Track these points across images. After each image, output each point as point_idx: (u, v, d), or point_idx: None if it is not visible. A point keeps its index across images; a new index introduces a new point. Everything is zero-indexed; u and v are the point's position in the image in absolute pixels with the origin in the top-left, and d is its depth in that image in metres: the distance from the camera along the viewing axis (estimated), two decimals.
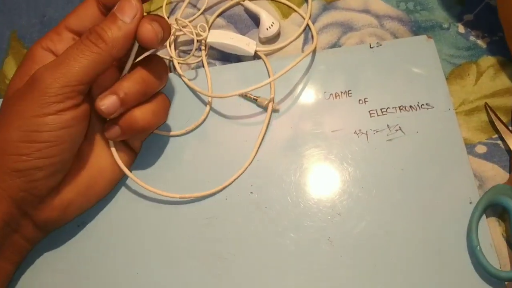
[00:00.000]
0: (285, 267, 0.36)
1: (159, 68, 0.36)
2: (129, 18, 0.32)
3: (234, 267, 0.37)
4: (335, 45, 0.44)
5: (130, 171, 0.38)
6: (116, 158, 0.37)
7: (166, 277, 0.37)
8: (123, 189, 0.40)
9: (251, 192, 0.39)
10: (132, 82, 0.34)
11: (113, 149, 0.37)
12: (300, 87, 0.42)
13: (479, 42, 0.43)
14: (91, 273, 0.38)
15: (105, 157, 0.37)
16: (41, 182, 0.32)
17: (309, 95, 0.42)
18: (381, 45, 0.42)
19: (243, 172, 0.39)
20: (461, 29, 0.43)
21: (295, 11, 0.45)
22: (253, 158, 0.40)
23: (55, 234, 0.38)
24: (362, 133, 0.40)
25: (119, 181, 0.39)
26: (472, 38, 0.43)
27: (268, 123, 0.41)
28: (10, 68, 0.46)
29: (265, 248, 0.37)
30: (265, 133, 0.40)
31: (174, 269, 0.37)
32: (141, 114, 0.35)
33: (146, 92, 0.35)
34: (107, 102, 0.33)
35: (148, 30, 0.32)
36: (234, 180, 0.39)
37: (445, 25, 0.44)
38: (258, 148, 0.40)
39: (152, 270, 0.37)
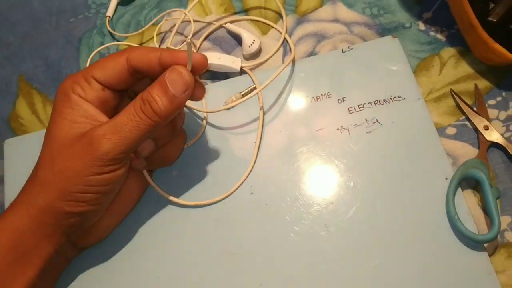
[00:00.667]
0: (290, 254, 0.41)
1: (182, 111, 0.41)
2: (181, 93, 0.35)
3: (244, 260, 0.41)
4: (311, 53, 0.49)
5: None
6: (151, 183, 0.43)
7: (183, 274, 0.41)
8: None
9: (252, 193, 0.43)
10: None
11: (146, 174, 0.42)
12: (284, 94, 0.47)
13: (439, 36, 0.48)
14: (116, 273, 0.42)
15: (131, 182, 0.41)
16: (90, 220, 0.38)
17: (293, 101, 0.46)
18: (352, 49, 0.47)
19: (247, 177, 0.44)
20: (422, 26, 0.48)
21: (273, 27, 0.50)
22: (254, 164, 0.44)
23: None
24: (344, 128, 0.44)
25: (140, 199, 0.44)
26: (432, 33, 0.48)
27: (262, 130, 0.45)
28: (22, 107, 0.51)
29: (269, 240, 0.41)
30: (260, 139, 0.45)
31: (190, 266, 0.41)
32: (170, 150, 0.41)
33: (174, 133, 0.40)
34: (147, 148, 0.38)
35: (202, 93, 0.38)
36: (240, 185, 0.44)
37: (407, 24, 0.49)
38: (257, 154, 0.45)
39: (170, 268, 0.41)
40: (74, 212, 0.35)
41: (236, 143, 0.45)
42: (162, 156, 0.40)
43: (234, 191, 0.43)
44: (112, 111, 0.38)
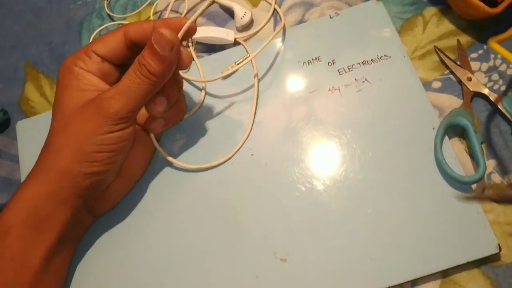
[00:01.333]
0: (291, 209, 0.43)
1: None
2: (168, 51, 0.37)
3: (248, 216, 0.44)
4: (301, 21, 0.51)
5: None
6: (157, 147, 0.45)
7: (192, 231, 0.44)
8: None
9: (252, 154, 0.46)
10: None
11: (153, 139, 0.45)
12: (277, 61, 0.49)
13: None
14: (127, 234, 0.45)
15: (139, 148, 0.44)
16: (105, 180, 0.40)
17: (286, 66, 0.49)
18: (339, 14, 0.50)
19: (245, 140, 0.47)
20: None
21: None
22: (251, 127, 0.47)
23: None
24: (335, 89, 0.47)
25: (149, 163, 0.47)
26: None
27: (258, 96, 0.48)
28: (31, 91, 0.54)
29: (271, 197, 0.44)
30: (256, 104, 0.48)
31: (198, 224, 0.44)
32: (181, 104, 0.44)
33: (180, 89, 0.43)
34: (161, 105, 0.41)
35: (188, 57, 0.40)
36: (239, 148, 0.46)
37: None
38: (254, 118, 0.47)
39: (180, 227, 0.44)
40: (90, 173, 0.38)
41: (234, 110, 0.48)
42: (176, 110, 0.43)
43: (235, 153, 0.46)
44: (113, 84, 0.41)
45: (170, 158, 0.46)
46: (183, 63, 0.40)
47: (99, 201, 0.42)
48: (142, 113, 0.42)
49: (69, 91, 0.38)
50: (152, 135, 0.44)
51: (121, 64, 0.41)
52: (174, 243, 0.44)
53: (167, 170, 0.47)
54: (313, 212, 0.43)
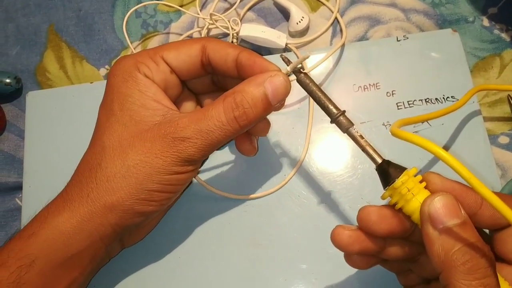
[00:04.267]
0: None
1: None
2: (277, 102, 0.31)
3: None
4: (362, 38, 0.45)
5: None
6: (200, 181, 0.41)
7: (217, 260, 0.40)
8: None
9: (298, 195, 0.41)
10: None
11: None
12: (329, 79, 0.44)
13: (503, 35, 0.44)
14: (142, 259, 0.40)
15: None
16: (150, 220, 0.36)
17: (338, 88, 0.43)
18: (407, 38, 0.44)
19: (294, 175, 0.42)
20: (486, 22, 0.45)
21: (324, 4, 0.47)
22: (302, 161, 0.42)
23: None
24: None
25: None
26: (496, 31, 0.44)
27: (312, 123, 0.43)
28: (50, 61, 0.48)
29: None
30: (310, 134, 0.42)
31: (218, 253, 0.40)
32: (261, 127, 0.37)
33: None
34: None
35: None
36: (288, 181, 0.41)
37: (470, 19, 0.45)
38: (307, 149, 0.42)
39: (199, 252, 0.40)
40: (143, 212, 0.32)
41: (281, 129, 0.43)
42: (256, 130, 0.37)
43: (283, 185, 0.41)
44: (173, 100, 0.34)
45: (209, 187, 0.41)
46: (262, 132, 0.36)
47: (134, 237, 0.37)
48: None
49: (130, 105, 0.32)
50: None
51: (185, 79, 0.35)
52: (193, 268, 0.40)
53: (201, 196, 0.42)
54: None
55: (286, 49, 0.45)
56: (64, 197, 0.32)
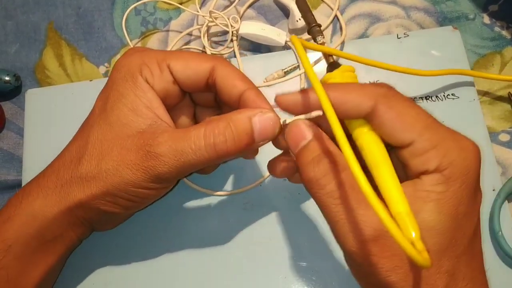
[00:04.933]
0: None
1: None
2: (261, 141, 0.30)
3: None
4: (362, 35, 0.45)
5: None
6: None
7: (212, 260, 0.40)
8: None
9: (284, 179, 0.41)
10: None
11: None
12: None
13: (504, 32, 0.44)
14: (137, 257, 0.40)
15: None
16: (121, 217, 0.36)
17: None
18: (408, 35, 0.44)
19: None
20: (486, 19, 0.45)
21: (324, 2, 0.47)
22: None
23: None
24: None
25: None
26: (497, 28, 0.44)
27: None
28: (49, 58, 0.48)
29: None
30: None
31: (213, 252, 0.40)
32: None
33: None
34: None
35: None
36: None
37: (471, 16, 0.45)
38: None
39: (192, 252, 0.40)
40: (109, 211, 0.32)
41: None
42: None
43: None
44: (170, 109, 0.34)
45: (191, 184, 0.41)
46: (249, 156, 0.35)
47: (107, 226, 0.37)
48: None
49: (122, 106, 0.31)
50: None
51: (188, 92, 0.35)
52: (187, 267, 0.40)
53: (186, 192, 0.42)
54: None
55: (286, 46, 0.45)
56: (40, 182, 0.33)
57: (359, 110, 0.26)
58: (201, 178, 0.41)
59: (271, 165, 0.32)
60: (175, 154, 0.29)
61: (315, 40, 0.36)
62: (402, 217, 0.23)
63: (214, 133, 0.29)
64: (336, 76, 0.31)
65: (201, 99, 0.36)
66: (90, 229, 0.35)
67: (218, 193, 0.41)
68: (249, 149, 0.30)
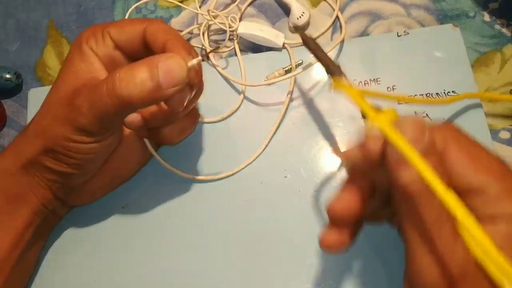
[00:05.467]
0: None
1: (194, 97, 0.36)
2: (169, 86, 0.30)
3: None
4: (363, 33, 0.45)
5: (161, 157, 0.41)
6: (154, 154, 0.40)
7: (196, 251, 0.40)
8: (163, 174, 0.42)
9: (285, 176, 0.41)
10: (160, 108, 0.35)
11: (149, 145, 0.39)
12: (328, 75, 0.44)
13: (504, 30, 0.44)
14: (136, 252, 0.40)
15: (128, 149, 0.39)
16: (74, 180, 0.36)
17: None
18: (408, 33, 0.44)
19: (257, 157, 0.42)
20: (487, 17, 0.44)
21: (325, 0, 0.47)
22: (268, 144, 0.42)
23: (103, 215, 0.41)
24: None
25: (144, 166, 0.42)
26: (497, 26, 0.44)
27: (285, 111, 0.43)
28: (50, 56, 0.48)
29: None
30: (281, 121, 0.43)
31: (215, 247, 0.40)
32: (168, 132, 0.37)
33: (171, 118, 0.36)
34: (133, 122, 0.35)
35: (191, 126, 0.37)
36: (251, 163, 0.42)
37: (471, 14, 0.45)
38: (271, 138, 0.42)
39: (194, 245, 0.40)
40: (55, 169, 0.34)
41: (272, 121, 0.43)
42: (162, 136, 0.37)
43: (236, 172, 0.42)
44: None
45: (170, 167, 0.41)
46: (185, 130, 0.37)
47: (73, 195, 0.38)
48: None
49: (66, 70, 0.35)
50: (146, 141, 0.39)
51: (134, 58, 0.36)
52: (185, 261, 0.40)
53: (176, 181, 0.42)
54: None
55: (284, 48, 0.45)
56: (6, 147, 0.37)
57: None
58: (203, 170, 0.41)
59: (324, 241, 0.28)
60: (89, 103, 0.31)
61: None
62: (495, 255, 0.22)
63: (114, 79, 0.30)
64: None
65: None
66: (56, 198, 0.37)
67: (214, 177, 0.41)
68: (160, 95, 0.30)
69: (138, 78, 0.29)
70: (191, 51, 0.33)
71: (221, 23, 0.44)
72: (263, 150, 0.42)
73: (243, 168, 0.41)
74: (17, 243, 0.35)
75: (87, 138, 0.32)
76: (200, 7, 0.47)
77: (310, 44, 0.32)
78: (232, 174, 0.41)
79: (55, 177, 0.35)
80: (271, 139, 0.42)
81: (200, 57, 0.31)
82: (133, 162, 0.40)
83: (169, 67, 0.29)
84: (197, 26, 0.47)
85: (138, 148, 0.39)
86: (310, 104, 0.43)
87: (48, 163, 0.34)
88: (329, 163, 0.41)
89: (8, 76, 0.46)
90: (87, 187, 0.38)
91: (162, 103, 0.34)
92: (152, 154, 0.40)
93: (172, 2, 0.48)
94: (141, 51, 0.35)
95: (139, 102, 0.30)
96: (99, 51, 0.35)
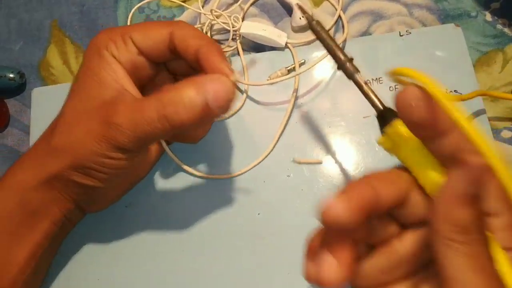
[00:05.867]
0: None
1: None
2: (217, 107, 0.29)
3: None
4: (365, 33, 0.45)
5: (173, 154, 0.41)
6: (170, 153, 0.41)
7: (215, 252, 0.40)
8: (169, 171, 0.43)
9: (288, 175, 0.41)
10: None
11: (164, 144, 0.40)
12: (331, 75, 0.44)
13: (506, 30, 0.44)
14: (140, 250, 0.41)
15: (148, 150, 0.39)
16: (99, 193, 0.36)
17: (341, 83, 0.43)
18: (410, 33, 0.44)
19: (264, 159, 0.42)
20: (488, 17, 0.45)
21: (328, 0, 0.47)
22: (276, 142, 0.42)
23: (106, 214, 0.41)
24: None
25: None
26: (499, 26, 0.44)
27: (291, 112, 0.43)
28: (53, 56, 0.48)
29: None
30: (287, 120, 0.43)
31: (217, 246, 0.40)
32: (193, 132, 0.37)
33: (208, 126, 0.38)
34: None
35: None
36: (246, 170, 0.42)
37: (473, 13, 0.45)
38: (278, 139, 0.43)
39: (197, 242, 0.40)
40: (83, 184, 0.33)
41: (275, 121, 0.43)
42: (187, 136, 0.37)
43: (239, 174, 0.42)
44: (145, 81, 0.35)
45: (184, 166, 0.42)
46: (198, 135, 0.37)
47: (94, 206, 0.38)
48: None
49: (90, 80, 0.33)
50: (162, 141, 0.39)
51: (157, 62, 0.35)
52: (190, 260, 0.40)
53: (183, 179, 0.42)
54: None
55: (286, 48, 0.45)
56: (22, 158, 0.35)
57: None
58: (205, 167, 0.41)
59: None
60: (132, 124, 0.30)
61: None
62: None
63: (163, 104, 0.29)
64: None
65: (176, 68, 0.36)
66: (77, 207, 0.36)
67: (217, 176, 0.41)
68: (211, 115, 0.30)
69: (188, 101, 0.29)
70: (225, 57, 0.32)
71: (224, 22, 0.44)
72: (271, 150, 0.42)
73: (251, 169, 0.42)
74: (33, 255, 0.34)
75: (123, 155, 0.32)
76: (203, 6, 0.47)
77: (322, 35, 0.30)
78: (240, 174, 0.42)
79: (81, 190, 0.34)
80: (279, 138, 0.42)
81: (237, 72, 0.30)
82: (150, 163, 0.40)
83: (218, 89, 0.29)
84: (199, 25, 0.47)
85: (155, 148, 0.39)
86: (312, 103, 0.43)
87: (76, 177, 0.33)
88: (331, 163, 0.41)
89: (11, 75, 0.46)
90: (109, 194, 0.38)
91: None
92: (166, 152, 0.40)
93: (175, 2, 0.48)
94: (167, 56, 0.34)
95: (189, 124, 0.30)
96: (122, 58, 0.33)
